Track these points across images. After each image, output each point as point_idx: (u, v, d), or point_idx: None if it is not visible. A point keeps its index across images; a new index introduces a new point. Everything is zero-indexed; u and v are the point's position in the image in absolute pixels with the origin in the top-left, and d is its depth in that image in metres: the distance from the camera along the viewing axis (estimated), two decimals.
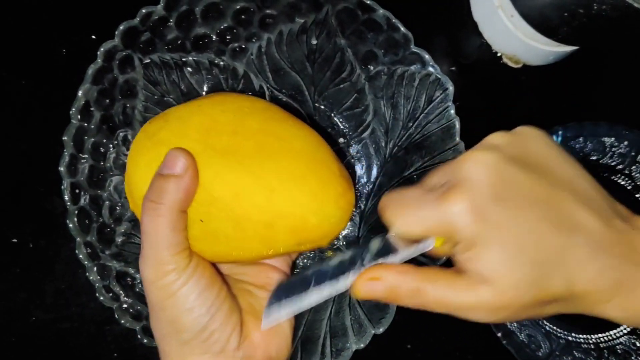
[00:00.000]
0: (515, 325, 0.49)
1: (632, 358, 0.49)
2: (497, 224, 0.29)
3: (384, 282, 0.33)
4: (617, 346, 0.50)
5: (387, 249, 0.33)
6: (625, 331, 0.50)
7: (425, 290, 0.32)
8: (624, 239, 0.31)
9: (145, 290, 0.34)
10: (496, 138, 0.32)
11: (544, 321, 0.50)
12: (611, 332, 0.50)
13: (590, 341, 0.50)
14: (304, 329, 0.46)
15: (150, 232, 0.33)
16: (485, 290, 0.30)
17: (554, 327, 0.50)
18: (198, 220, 0.34)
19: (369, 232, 0.48)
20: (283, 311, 0.34)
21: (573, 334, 0.50)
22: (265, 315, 0.34)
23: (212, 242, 0.35)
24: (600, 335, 0.50)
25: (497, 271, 0.30)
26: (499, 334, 0.49)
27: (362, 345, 0.44)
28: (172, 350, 0.34)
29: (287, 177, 0.34)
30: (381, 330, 0.44)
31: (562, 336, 0.50)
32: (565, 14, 0.43)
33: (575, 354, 0.50)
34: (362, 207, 0.49)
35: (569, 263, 0.30)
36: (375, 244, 0.33)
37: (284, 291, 0.34)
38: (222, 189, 0.33)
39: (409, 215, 0.32)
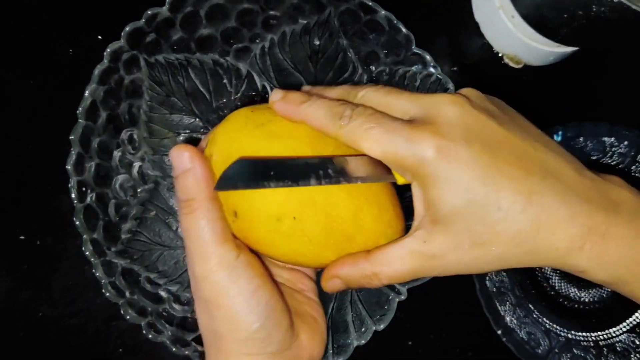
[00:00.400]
0: (515, 322, 0.50)
1: (632, 356, 0.49)
2: (464, 163, 0.29)
3: (341, 278, 0.34)
4: (616, 344, 0.50)
5: (349, 171, 0.33)
6: (624, 329, 0.50)
7: (380, 273, 0.33)
8: (596, 187, 0.31)
9: (197, 288, 0.34)
10: (470, 91, 0.33)
11: (544, 319, 0.50)
12: (611, 330, 0.50)
13: (590, 339, 0.50)
14: None
15: (189, 228, 0.33)
16: (437, 236, 0.31)
17: (554, 325, 0.50)
18: (292, 217, 0.34)
19: None
20: (238, 183, 0.32)
21: (573, 332, 0.50)
22: (221, 179, 0.32)
23: (295, 241, 0.35)
24: (599, 333, 0.50)
25: (452, 211, 0.30)
26: (499, 331, 0.50)
27: (363, 341, 0.45)
28: (228, 348, 0.33)
29: (374, 201, 0.35)
30: (382, 326, 0.45)
31: (562, 334, 0.50)
32: (565, 15, 0.44)
33: (575, 351, 0.50)
34: None
35: (537, 207, 0.30)
36: (340, 161, 0.33)
37: (244, 166, 0.32)
38: (321, 194, 0.34)
39: (378, 135, 0.31)
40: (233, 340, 0.33)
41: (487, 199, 0.29)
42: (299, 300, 0.39)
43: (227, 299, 0.32)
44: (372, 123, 0.31)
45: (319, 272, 0.44)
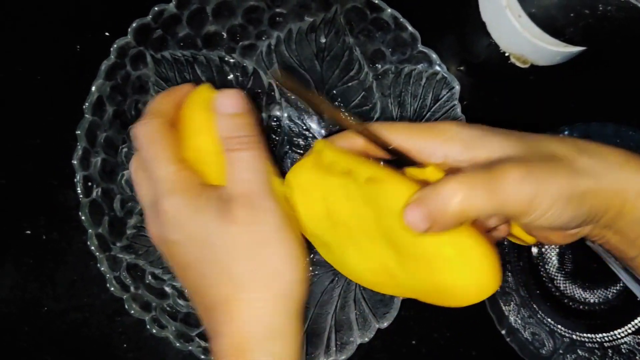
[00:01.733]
0: (520, 323, 0.50)
1: (637, 358, 0.49)
2: None
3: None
4: (621, 346, 0.50)
5: None
6: (629, 331, 0.50)
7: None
8: None
9: (215, 239, 0.35)
10: None
11: (549, 319, 0.50)
12: (616, 332, 0.50)
13: (595, 340, 0.50)
14: (310, 323, 0.46)
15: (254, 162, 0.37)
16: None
17: (558, 326, 0.50)
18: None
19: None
20: None
21: (577, 333, 0.50)
22: None
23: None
24: (604, 334, 0.50)
25: None
26: (503, 331, 0.49)
27: (366, 339, 0.45)
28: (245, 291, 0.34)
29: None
30: (385, 324, 0.45)
31: (567, 335, 0.50)
32: (572, 15, 0.44)
33: (579, 352, 0.50)
34: None
35: None
36: None
37: None
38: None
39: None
40: (257, 282, 0.34)
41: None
42: None
43: (253, 233, 0.35)
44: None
45: None
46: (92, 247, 0.44)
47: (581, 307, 0.52)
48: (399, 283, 0.36)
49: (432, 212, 0.30)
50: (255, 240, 0.35)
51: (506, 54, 0.54)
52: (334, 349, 0.45)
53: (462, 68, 0.55)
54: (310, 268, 0.49)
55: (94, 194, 0.45)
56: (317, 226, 0.38)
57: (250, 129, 0.37)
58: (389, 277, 0.36)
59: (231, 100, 0.37)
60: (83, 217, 0.44)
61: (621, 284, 0.52)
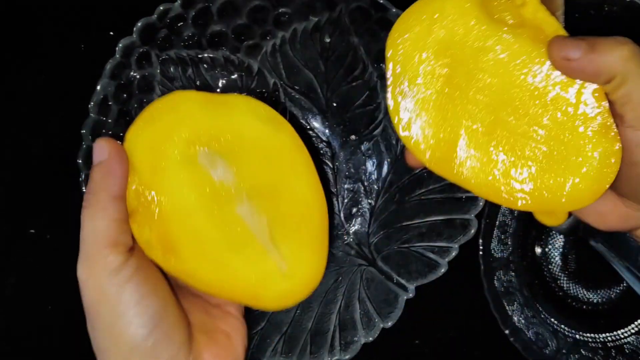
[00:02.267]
0: (523, 322, 0.50)
1: None
2: None
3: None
4: (624, 346, 0.50)
5: None
6: (633, 331, 0.50)
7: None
8: None
9: (81, 293, 0.31)
10: None
11: (552, 319, 0.50)
12: (619, 332, 0.50)
13: (598, 340, 0.50)
14: (314, 322, 0.46)
15: (83, 224, 0.31)
16: None
17: (562, 326, 0.50)
18: None
19: (378, 229, 0.49)
20: None
21: (581, 333, 0.50)
22: None
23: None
24: (608, 334, 0.50)
25: None
26: (507, 331, 0.49)
27: (370, 338, 0.45)
28: None
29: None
30: (390, 324, 0.45)
31: (570, 334, 0.50)
32: (577, 15, 0.44)
33: (583, 352, 0.50)
34: (373, 203, 0.49)
35: None
36: None
37: None
38: None
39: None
40: (116, 355, 0.30)
41: None
42: (213, 314, 0.36)
43: (108, 304, 0.30)
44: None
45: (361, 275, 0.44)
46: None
47: (584, 307, 0.52)
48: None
49: (592, 46, 0.29)
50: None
51: None
52: (338, 348, 0.45)
53: None
54: None
55: None
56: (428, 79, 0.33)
57: (92, 185, 0.32)
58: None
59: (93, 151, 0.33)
60: None
61: (624, 284, 0.52)
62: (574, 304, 0.52)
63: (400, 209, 0.49)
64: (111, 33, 0.52)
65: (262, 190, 0.35)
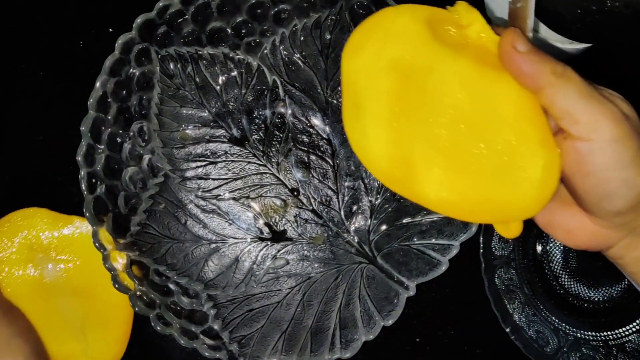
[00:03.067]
0: (524, 320, 0.50)
1: None
2: None
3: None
4: (626, 344, 0.50)
5: None
6: (634, 329, 0.49)
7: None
8: None
9: None
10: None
11: (553, 317, 0.50)
12: (620, 330, 0.50)
13: (599, 338, 0.50)
14: (314, 320, 0.46)
15: None
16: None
17: (563, 324, 0.50)
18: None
19: (379, 226, 0.49)
20: None
21: (582, 331, 0.50)
22: None
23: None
24: (609, 332, 0.50)
25: None
26: (508, 329, 0.49)
27: (371, 336, 0.45)
28: None
29: None
30: (390, 322, 0.45)
31: (571, 333, 0.50)
32: (578, 11, 0.44)
33: (584, 350, 0.50)
34: (373, 201, 0.49)
35: None
36: None
37: None
38: None
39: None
40: None
41: None
42: None
43: None
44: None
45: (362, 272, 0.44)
46: (96, 244, 0.44)
47: (585, 305, 0.52)
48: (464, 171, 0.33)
49: (536, 52, 0.30)
50: None
51: None
52: (339, 346, 0.45)
53: None
54: (316, 265, 0.49)
55: (98, 190, 0.45)
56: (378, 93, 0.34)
57: None
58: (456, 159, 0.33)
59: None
60: (87, 214, 0.44)
61: (626, 282, 0.51)
62: (575, 302, 0.52)
63: (400, 206, 0.48)
64: (110, 30, 0.52)
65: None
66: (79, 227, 0.47)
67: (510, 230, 0.36)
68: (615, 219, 0.32)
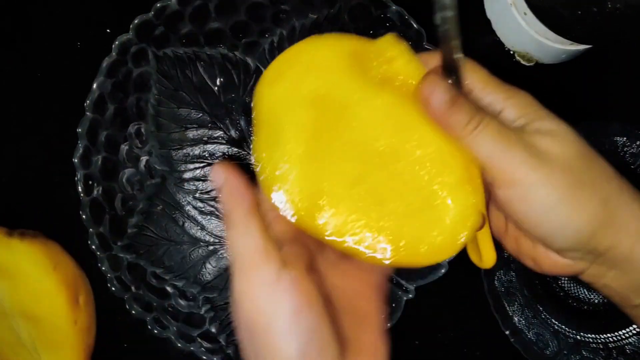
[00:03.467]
0: (524, 323, 0.49)
1: None
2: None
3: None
4: (626, 346, 0.49)
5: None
6: (634, 331, 0.49)
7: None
8: None
9: (236, 305, 0.31)
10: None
11: (553, 320, 0.50)
12: (620, 332, 0.50)
13: (599, 341, 0.50)
14: None
15: (231, 243, 0.31)
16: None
17: (563, 326, 0.50)
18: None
19: None
20: None
21: (582, 333, 0.50)
22: None
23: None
24: (609, 335, 0.50)
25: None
26: (507, 332, 0.49)
27: None
28: None
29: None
30: (389, 324, 0.44)
31: (571, 335, 0.50)
32: (579, 12, 0.43)
33: (584, 353, 0.49)
34: None
35: None
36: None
37: None
38: None
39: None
40: None
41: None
42: (360, 326, 0.34)
43: (264, 317, 0.30)
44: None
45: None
46: (93, 247, 0.44)
47: (585, 307, 0.52)
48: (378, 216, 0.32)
49: (457, 97, 0.30)
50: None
51: (511, 52, 0.53)
52: None
53: None
54: None
55: (95, 192, 0.44)
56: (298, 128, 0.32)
57: (224, 206, 0.32)
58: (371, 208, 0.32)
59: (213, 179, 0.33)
60: (84, 216, 0.44)
61: None
62: (575, 304, 0.52)
63: None
64: (108, 30, 0.51)
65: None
66: (16, 250, 0.45)
67: (482, 260, 0.34)
68: (569, 254, 0.32)
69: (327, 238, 0.32)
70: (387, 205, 0.31)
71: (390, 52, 0.32)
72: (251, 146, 0.34)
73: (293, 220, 0.32)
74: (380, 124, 0.31)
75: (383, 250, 0.31)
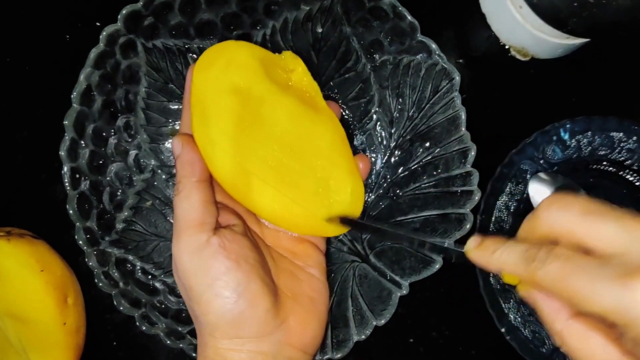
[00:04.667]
0: (520, 321, 0.49)
1: None
2: None
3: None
4: None
5: None
6: None
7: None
8: None
9: (173, 268, 0.35)
10: None
11: None
12: None
13: None
14: None
15: (174, 208, 0.35)
16: None
17: None
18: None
19: (372, 223, 0.48)
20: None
21: None
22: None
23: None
24: None
25: None
26: (503, 330, 0.48)
27: (363, 336, 0.44)
28: (205, 334, 0.34)
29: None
30: (383, 321, 0.44)
31: None
32: (575, 4, 0.43)
33: None
34: (366, 198, 0.48)
35: None
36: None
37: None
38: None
39: (583, 290, 0.25)
40: (206, 323, 0.34)
41: None
42: (299, 277, 0.39)
43: (194, 279, 0.33)
44: (570, 268, 0.26)
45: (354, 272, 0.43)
46: (80, 241, 0.43)
47: None
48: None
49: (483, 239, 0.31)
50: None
51: (506, 47, 0.53)
52: (330, 346, 0.44)
53: (461, 61, 0.54)
54: None
55: (82, 186, 0.43)
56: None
57: (178, 174, 0.36)
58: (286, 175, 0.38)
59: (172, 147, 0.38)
60: (71, 210, 0.43)
61: None
62: None
63: (394, 203, 0.47)
64: (97, 23, 0.51)
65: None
66: (3, 251, 0.45)
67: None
68: None
69: (253, 209, 0.38)
70: (299, 185, 0.38)
71: (291, 64, 0.40)
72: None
73: (226, 188, 0.37)
74: (288, 118, 0.38)
75: (297, 222, 0.38)
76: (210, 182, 0.37)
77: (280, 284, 0.37)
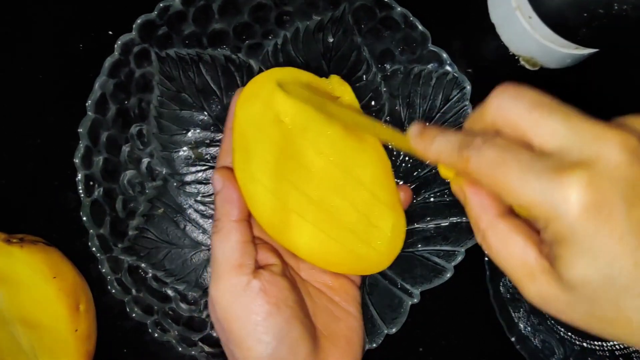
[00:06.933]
0: (530, 330, 0.49)
1: None
2: (617, 233, 0.23)
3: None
4: (632, 354, 0.49)
5: None
6: None
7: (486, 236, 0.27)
8: None
9: (211, 307, 0.34)
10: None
11: (559, 327, 0.49)
12: None
13: (606, 348, 0.49)
14: None
15: (212, 247, 0.34)
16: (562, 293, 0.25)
17: (569, 333, 0.49)
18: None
19: None
20: None
21: (588, 341, 0.49)
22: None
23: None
24: (615, 342, 0.49)
25: (581, 281, 0.24)
26: (513, 339, 0.48)
27: (374, 344, 0.44)
28: None
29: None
30: (394, 330, 0.44)
31: (577, 342, 0.49)
32: (585, 15, 0.43)
33: None
34: None
35: None
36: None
37: None
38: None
39: (509, 175, 0.24)
40: None
41: (634, 283, 0.23)
42: (336, 315, 0.38)
43: (235, 323, 0.33)
44: (504, 157, 0.25)
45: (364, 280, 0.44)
46: (93, 248, 0.43)
47: None
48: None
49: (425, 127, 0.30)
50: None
51: (515, 57, 0.53)
52: None
53: (470, 70, 0.54)
54: None
55: (96, 193, 0.44)
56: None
57: (217, 212, 0.35)
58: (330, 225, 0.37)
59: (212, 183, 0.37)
60: (84, 217, 0.43)
61: None
62: None
63: (405, 212, 0.48)
64: (110, 32, 0.51)
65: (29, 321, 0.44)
66: (16, 257, 0.45)
67: None
68: None
69: (289, 247, 0.36)
70: (338, 221, 0.36)
71: (339, 91, 0.39)
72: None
73: (265, 227, 0.36)
74: (332, 148, 0.37)
75: (335, 261, 0.37)
76: (249, 220, 0.36)
77: (318, 323, 0.36)
